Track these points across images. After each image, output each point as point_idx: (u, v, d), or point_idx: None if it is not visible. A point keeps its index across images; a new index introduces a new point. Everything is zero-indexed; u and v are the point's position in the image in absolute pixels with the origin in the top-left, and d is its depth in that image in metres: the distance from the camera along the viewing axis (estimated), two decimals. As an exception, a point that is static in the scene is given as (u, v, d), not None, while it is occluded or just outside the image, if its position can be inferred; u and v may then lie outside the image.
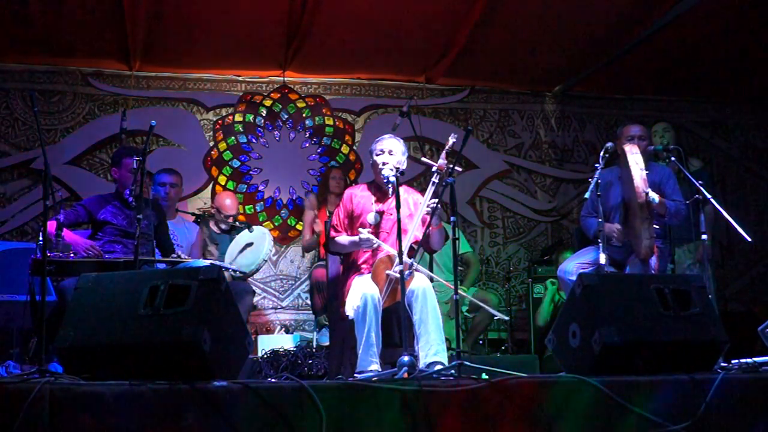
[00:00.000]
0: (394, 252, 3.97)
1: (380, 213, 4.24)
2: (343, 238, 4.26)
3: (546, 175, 7.48)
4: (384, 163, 4.21)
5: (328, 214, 5.88)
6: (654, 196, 4.22)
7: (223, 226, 5.81)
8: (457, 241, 3.53)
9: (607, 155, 4.37)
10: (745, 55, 6.59)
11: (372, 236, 4.10)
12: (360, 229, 4.15)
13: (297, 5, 5.83)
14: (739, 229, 4.24)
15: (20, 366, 3.70)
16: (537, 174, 7.47)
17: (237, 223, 5.80)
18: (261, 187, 6.93)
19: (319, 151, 7.08)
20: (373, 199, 4.31)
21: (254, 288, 6.44)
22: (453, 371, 3.11)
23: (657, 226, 4.31)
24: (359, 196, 4.34)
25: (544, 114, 7.58)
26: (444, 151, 4.16)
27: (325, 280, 5.04)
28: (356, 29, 6.17)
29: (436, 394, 2.64)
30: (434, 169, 4.12)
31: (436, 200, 3.98)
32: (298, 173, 7.00)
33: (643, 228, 4.24)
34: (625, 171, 4.44)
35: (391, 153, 4.25)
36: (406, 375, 3.23)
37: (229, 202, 5.94)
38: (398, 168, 3.96)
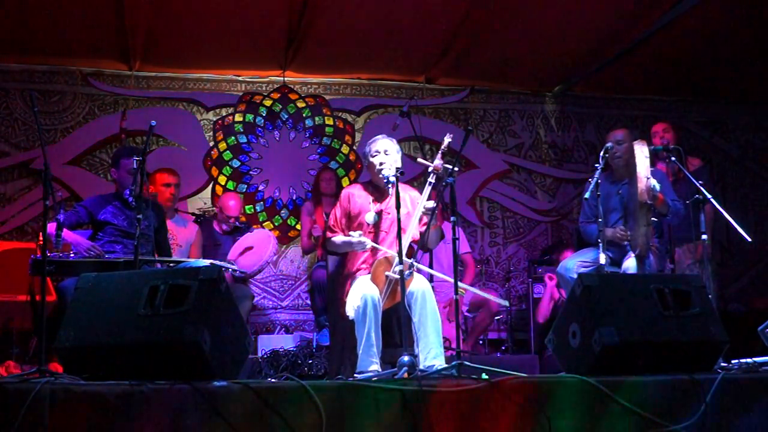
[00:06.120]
0: (392, 253, 3.97)
1: (378, 213, 4.24)
2: (339, 238, 4.25)
3: (546, 175, 7.48)
4: (381, 164, 4.20)
5: (324, 215, 5.88)
6: (654, 183, 4.28)
7: (225, 227, 5.81)
8: (457, 241, 3.52)
9: (606, 155, 4.44)
10: (745, 55, 6.59)
11: (365, 239, 4.09)
12: (351, 233, 4.14)
13: (297, 5, 5.82)
14: (739, 229, 4.25)
15: (20, 366, 3.71)
16: (537, 174, 7.47)
17: (238, 224, 5.81)
18: (261, 187, 6.92)
19: (319, 151, 7.08)
20: (371, 198, 4.31)
21: (254, 288, 6.45)
22: (453, 371, 3.11)
23: (654, 219, 4.36)
24: (357, 195, 4.33)
25: (544, 114, 7.57)
26: (440, 152, 4.15)
27: (325, 280, 5.04)
28: (356, 29, 6.16)
29: (436, 394, 2.63)
30: (430, 169, 4.12)
31: (434, 201, 3.98)
32: (298, 173, 7.00)
33: (640, 214, 4.27)
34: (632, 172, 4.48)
35: (387, 153, 4.24)
36: (406, 375, 3.23)
37: (232, 203, 5.92)
38: (399, 168, 3.96)
